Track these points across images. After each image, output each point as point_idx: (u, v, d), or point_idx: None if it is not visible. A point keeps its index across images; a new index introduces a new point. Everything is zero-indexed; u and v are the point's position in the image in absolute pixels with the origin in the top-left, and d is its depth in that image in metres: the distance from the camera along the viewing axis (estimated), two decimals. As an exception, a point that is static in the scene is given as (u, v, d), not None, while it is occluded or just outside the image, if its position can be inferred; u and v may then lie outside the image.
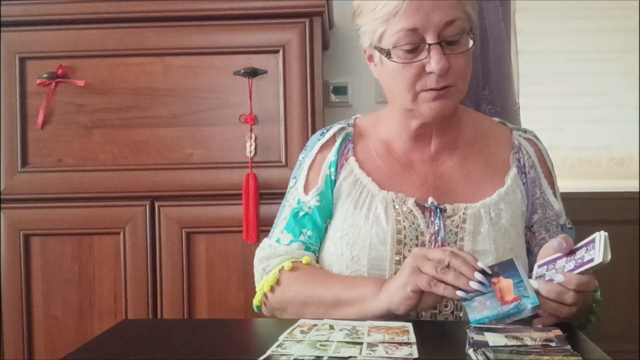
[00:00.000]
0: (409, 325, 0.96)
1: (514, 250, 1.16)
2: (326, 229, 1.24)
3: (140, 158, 1.87)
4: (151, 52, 1.87)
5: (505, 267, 0.98)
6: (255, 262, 1.27)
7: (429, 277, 0.98)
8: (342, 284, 1.11)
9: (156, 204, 1.86)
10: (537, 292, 0.96)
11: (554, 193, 1.25)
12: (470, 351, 0.82)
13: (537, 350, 0.82)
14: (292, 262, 1.20)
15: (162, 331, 1.05)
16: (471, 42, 1.12)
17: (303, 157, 1.30)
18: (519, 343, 0.85)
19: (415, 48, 1.10)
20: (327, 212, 1.24)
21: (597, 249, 0.95)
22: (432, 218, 1.15)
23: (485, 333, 0.89)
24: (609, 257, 0.95)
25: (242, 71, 1.84)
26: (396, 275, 1.04)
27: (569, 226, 1.25)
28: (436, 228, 1.15)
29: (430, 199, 1.17)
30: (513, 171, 1.21)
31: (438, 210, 1.15)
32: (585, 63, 2.46)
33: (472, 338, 0.87)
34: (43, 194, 1.87)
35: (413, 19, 1.07)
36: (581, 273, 0.97)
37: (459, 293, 0.96)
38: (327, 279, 1.15)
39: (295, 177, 1.29)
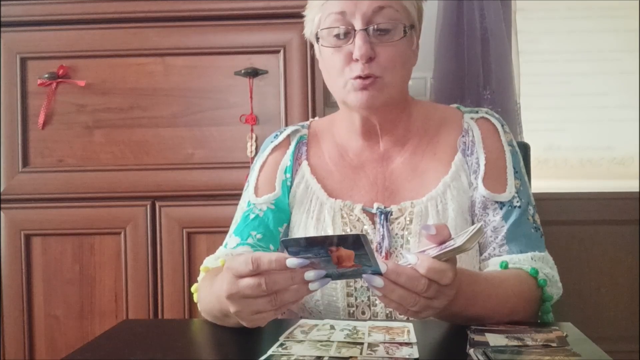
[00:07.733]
0: (410, 326, 0.96)
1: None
2: (284, 234, 1.21)
3: (141, 158, 1.87)
4: (152, 52, 1.87)
5: (349, 241, 0.80)
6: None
7: (262, 302, 0.83)
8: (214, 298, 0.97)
9: (157, 204, 1.86)
10: (385, 277, 0.82)
11: (500, 173, 1.16)
12: (471, 351, 0.82)
13: (538, 351, 0.82)
14: (206, 268, 1.14)
15: (162, 331, 1.05)
16: (402, 34, 1.11)
17: (256, 160, 1.28)
18: (519, 343, 0.85)
19: (346, 34, 1.11)
20: (282, 217, 1.21)
21: (464, 235, 0.85)
22: (379, 225, 1.13)
23: (486, 334, 0.89)
24: (470, 246, 0.84)
25: (242, 71, 1.84)
26: (230, 309, 0.87)
27: (517, 204, 1.14)
28: (380, 236, 1.13)
29: (376, 205, 1.15)
30: (458, 156, 1.17)
31: (383, 215, 1.13)
32: (585, 63, 2.45)
33: (473, 338, 0.87)
34: (44, 194, 1.87)
35: (341, 3, 1.10)
36: (441, 259, 0.84)
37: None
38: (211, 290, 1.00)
39: (248, 181, 1.27)
